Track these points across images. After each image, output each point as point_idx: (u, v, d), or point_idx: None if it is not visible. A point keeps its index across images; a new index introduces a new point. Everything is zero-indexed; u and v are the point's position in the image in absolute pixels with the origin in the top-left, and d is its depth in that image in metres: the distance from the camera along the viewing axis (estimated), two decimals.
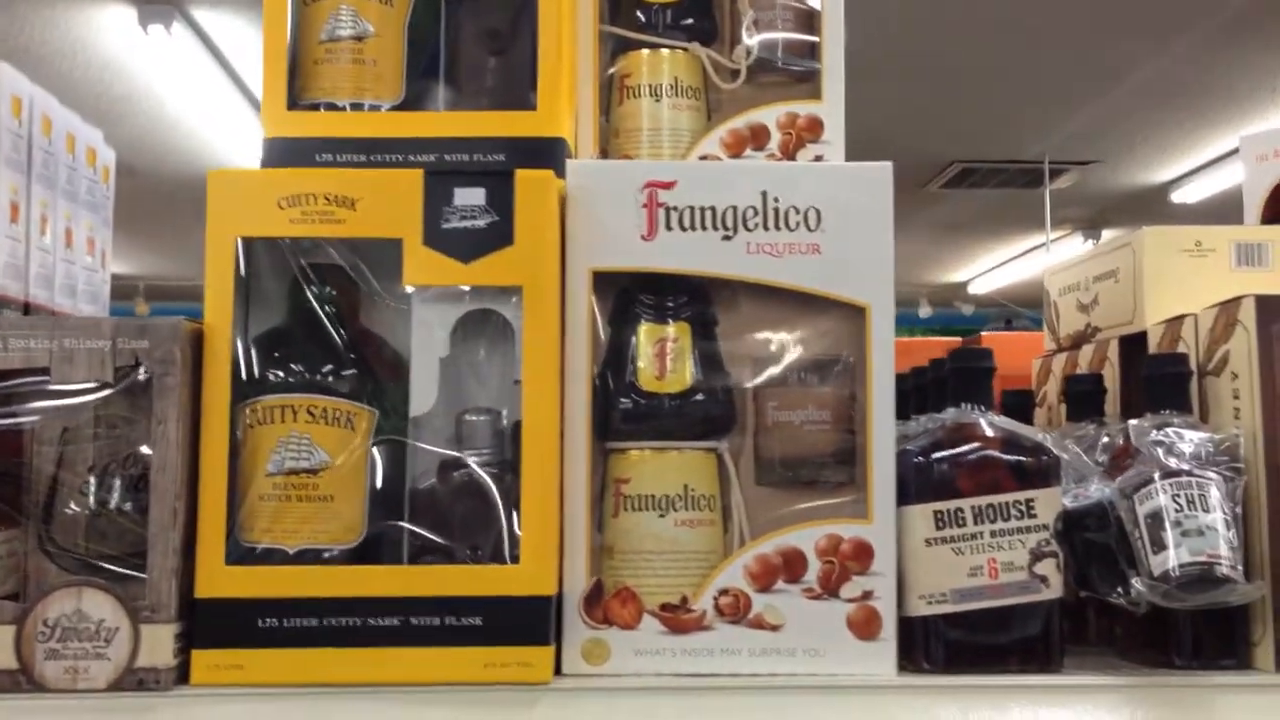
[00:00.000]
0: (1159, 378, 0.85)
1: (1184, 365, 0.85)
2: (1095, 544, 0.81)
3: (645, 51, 0.96)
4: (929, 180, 5.72)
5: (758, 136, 0.96)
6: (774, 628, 0.78)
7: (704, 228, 0.81)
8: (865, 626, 0.78)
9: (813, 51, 0.97)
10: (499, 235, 0.77)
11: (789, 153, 0.95)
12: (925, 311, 7.84)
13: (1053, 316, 1.17)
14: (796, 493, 0.81)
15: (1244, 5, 3.49)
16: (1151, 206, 5.94)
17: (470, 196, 0.77)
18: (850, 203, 0.81)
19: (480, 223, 0.77)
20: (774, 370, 0.82)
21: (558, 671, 0.78)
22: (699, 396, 0.81)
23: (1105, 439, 0.89)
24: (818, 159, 0.94)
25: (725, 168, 0.86)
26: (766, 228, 0.81)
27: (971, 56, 4.04)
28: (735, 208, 0.81)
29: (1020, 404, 1.15)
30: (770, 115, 0.95)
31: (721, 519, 0.81)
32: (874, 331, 0.80)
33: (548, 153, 0.85)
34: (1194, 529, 0.76)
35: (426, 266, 0.77)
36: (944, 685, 0.77)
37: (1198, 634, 0.81)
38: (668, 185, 0.81)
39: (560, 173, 0.81)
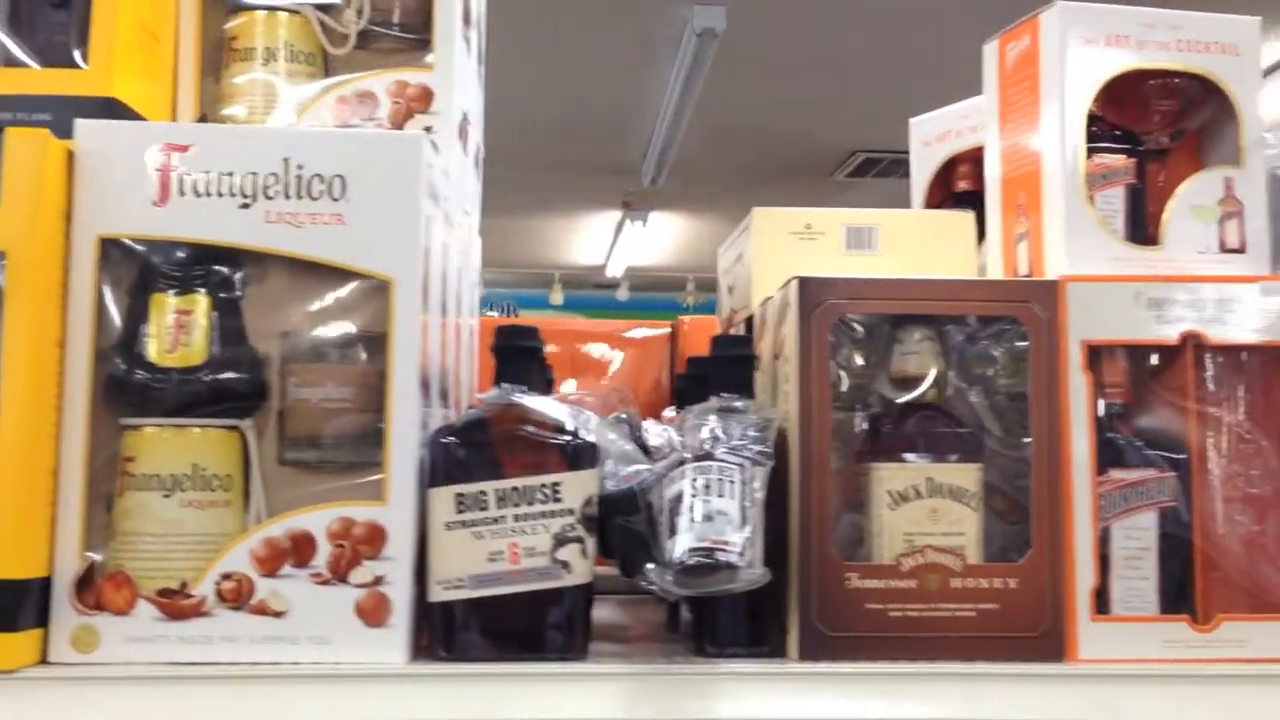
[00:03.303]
0: (717, 361, 0.83)
1: (741, 348, 0.83)
2: (629, 529, 0.78)
3: (258, 13, 0.92)
4: (834, 170, 5.72)
5: (366, 104, 0.92)
6: (278, 614, 0.74)
7: (220, 194, 0.76)
8: (374, 613, 0.75)
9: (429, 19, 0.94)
10: None
11: (398, 122, 0.91)
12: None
13: (721, 300, 1.14)
14: (319, 473, 0.77)
15: None
16: None
17: None
18: (378, 173, 0.77)
19: None
20: (297, 345, 0.78)
21: (45, 660, 0.74)
22: (219, 372, 0.77)
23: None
24: (427, 130, 0.90)
25: (245, 132, 0.82)
26: (288, 196, 0.77)
27: (859, 45, 4.02)
28: (255, 174, 0.77)
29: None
30: (380, 83, 0.91)
31: (242, 500, 0.77)
32: (398, 306, 0.77)
33: (99, 113, 0.80)
34: (703, 515, 0.74)
35: None
36: (451, 674, 0.74)
37: (732, 622, 0.79)
38: (183, 149, 0.77)
39: None
